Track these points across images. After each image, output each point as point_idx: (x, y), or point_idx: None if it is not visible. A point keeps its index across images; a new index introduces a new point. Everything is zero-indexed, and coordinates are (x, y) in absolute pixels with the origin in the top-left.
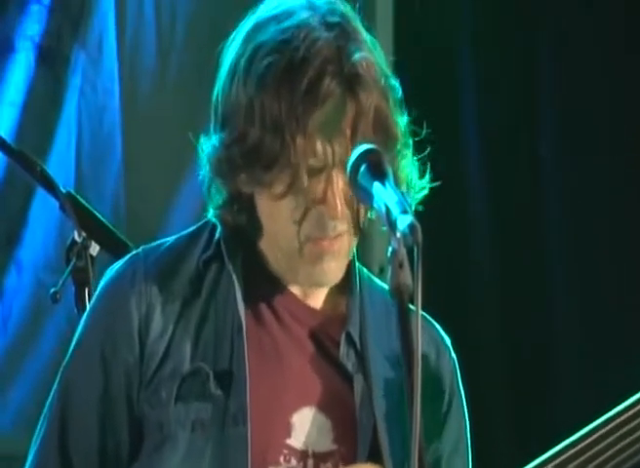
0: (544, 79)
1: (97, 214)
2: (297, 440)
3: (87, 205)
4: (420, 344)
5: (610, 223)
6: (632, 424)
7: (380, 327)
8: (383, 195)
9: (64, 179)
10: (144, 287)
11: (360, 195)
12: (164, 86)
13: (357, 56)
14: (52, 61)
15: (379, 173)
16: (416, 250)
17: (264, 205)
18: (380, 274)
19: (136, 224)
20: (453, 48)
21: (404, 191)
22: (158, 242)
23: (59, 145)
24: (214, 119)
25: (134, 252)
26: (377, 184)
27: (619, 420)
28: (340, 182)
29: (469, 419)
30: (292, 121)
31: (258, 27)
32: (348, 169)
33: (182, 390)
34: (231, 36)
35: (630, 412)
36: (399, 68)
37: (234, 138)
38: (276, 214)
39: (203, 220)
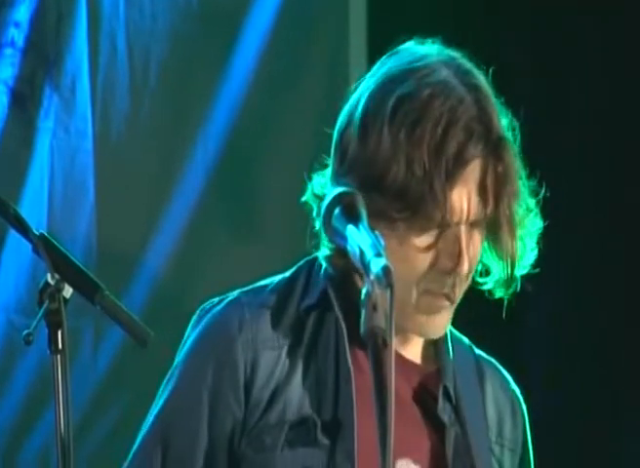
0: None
1: (70, 256)
2: None
3: (60, 247)
4: (392, 386)
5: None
6: None
7: (468, 379)
8: (357, 238)
9: (37, 221)
10: (251, 334)
11: (334, 238)
12: (137, 128)
13: (501, 119)
14: (24, 104)
15: (352, 215)
16: (389, 292)
17: (389, 251)
18: None
19: (108, 267)
20: None
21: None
22: (256, 286)
23: (31, 188)
24: (339, 161)
25: (233, 297)
26: (350, 227)
27: None
28: (476, 242)
29: None
30: (440, 174)
31: (396, 77)
32: (322, 211)
33: (289, 438)
34: (361, 79)
35: None
36: None
37: (374, 183)
38: (404, 262)
39: (299, 263)
